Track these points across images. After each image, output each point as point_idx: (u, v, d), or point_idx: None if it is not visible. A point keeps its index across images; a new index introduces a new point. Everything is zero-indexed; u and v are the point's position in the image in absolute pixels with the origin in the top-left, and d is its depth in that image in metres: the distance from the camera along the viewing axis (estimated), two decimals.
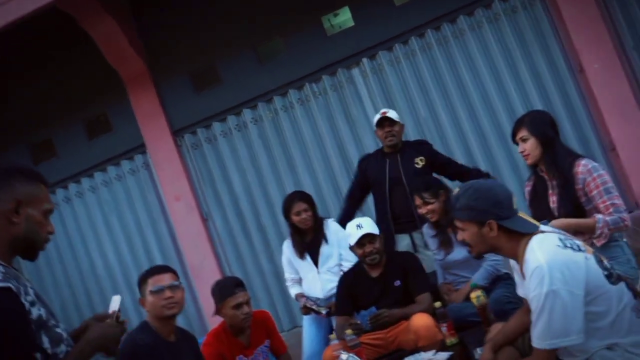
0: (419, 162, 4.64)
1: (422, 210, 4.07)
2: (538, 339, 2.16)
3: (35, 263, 7.45)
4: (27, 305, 1.76)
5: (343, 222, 4.68)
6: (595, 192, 3.10)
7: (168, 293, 3.12)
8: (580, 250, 2.19)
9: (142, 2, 7.45)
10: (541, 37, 6.76)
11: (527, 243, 2.22)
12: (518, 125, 3.40)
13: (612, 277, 2.17)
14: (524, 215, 2.36)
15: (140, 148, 7.67)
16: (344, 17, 7.23)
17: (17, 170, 1.93)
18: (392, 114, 4.77)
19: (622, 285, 2.19)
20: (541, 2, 6.74)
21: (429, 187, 4.08)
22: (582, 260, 2.14)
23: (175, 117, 7.55)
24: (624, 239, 3.20)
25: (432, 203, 4.01)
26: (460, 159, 6.79)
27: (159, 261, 7.39)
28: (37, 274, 7.91)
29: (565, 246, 2.16)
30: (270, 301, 7.32)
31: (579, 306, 2.08)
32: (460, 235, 2.41)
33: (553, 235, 2.23)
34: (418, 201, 4.09)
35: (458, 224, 2.38)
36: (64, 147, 7.89)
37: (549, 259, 2.11)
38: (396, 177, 4.62)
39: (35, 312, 1.78)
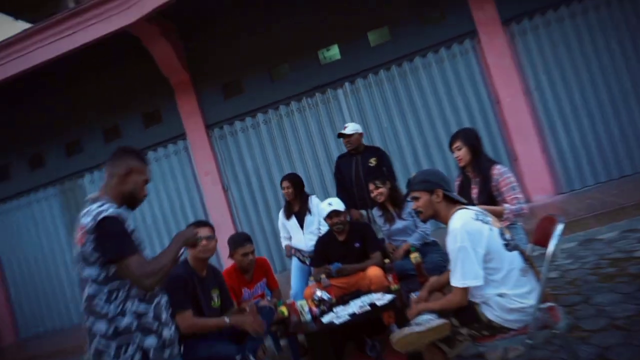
0: (373, 161, 4.64)
1: (374, 193, 4.03)
2: (455, 280, 2.16)
3: None
4: (129, 230, 1.96)
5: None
6: (504, 188, 3.13)
7: (204, 242, 3.04)
8: (487, 224, 2.21)
9: (189, 30, 7.46)
10: (472, 77, 6.86)
11: (453, 212, 2.25)
12: (454, 138, 3.38)
13: (509, 246, 2.20)
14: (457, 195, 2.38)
15: (182, 136, 7.73)
16: (334, 52, 7.28)
17: (131, 150, 2.15)
18: (349, 129, 4.69)
19: (516, 253, 2.21)
20: (473, 51, 6.83)
21: (379, 177, 4.10)
22: (487, 230, 2.16)
23: (209, 116, 7.60)
24: (519, 223, 3.26)
25: (381, 188, 4.00)
26: (409, 159, 7.00)
27: (192, 218, 7.49)
28: None
29: (477, 219, 2.19)
30: (268, 250, 7.45)
31: (479, 260, 2.12)
32: (415, 204, 2.38)
33: (472, 211, 2.24)
34: (372, 186, 4.03)
35: (415, 194, 2.36)
36: (127, 132, 7.93)
37: (462, 224, 2.15)
38: (358, 172, 4.64)
39: (135, 238, 1.99)
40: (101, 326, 1.87)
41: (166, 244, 7.41)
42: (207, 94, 7.61)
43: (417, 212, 2.42)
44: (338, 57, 7.27)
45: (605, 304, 3.14)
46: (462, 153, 3.31)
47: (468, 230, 2.14)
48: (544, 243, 2.27)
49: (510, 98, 6.65)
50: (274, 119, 7.50)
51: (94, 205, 1.94)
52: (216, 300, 3.05)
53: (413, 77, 7.04)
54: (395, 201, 4.02)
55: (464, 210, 2.25)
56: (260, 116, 7.53)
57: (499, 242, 2.18)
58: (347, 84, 7.23)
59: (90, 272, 1.88)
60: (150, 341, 1.93)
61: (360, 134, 4.77)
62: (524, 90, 6.67)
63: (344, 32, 7.15)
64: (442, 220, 2.34)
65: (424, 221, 2.50)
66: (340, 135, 4.73)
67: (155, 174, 7.86)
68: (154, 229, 7.86)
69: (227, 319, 2.75)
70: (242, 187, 7.61)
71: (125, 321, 1.89)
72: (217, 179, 7.55)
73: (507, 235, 2.28)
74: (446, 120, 6.95)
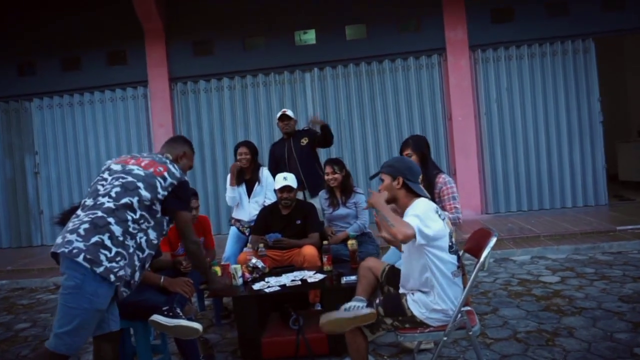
0: (303, 141, 4.58)
1: (329, 176, 3.93)
2: (409, 220, 2.09)
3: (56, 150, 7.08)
4: None
5: None
6: (446, 197, 3.15)
7: None
8: (442, 220, 2.22)
9: None
10: (432, 90, 6.98)
11: (414, 200, 2.26)
12: (406, 144, 3.34)
13: (452, 249, 2.21)
14: (422, 187, 2.38)
15: (143, 83, 7.36)
16: (310, 36, 7.18)
17: (188, 140, 2.61)
18: (289, 112, 4.64)
19: (455, 256, 2.23)
20: (438, 67, 6.95)
21: (339, 163, 4.00)
22: (441, 225, 2.17)
23: (175, 69, 7.29)
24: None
25: (337, 173, 3.91)
26: (359, 154, 7.05)
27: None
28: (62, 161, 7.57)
29: (437, 212, 2.22)
30: (207, 211, 7.22)
31: (426, 228, 2.10)
32: (381, 185, 2.37)
33: (433, 205, 2.27)
34: (329, 169, 3.95)
35: (382, 176, 2.37)
36: (88, 65, 7.43)
37: (424, 208, 2.18)
38: (290, 154, 4.58)
39: None
40: (117, 229, 2.02)
41: None
42: (177, 47, 7.28)
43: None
44: (313, 42, 7.18)
45: (510, 317, 3.29)
46: (412, 160, 3.20)
47: (428, 213, 2.17)
48: (475, 252, 2.30)
49: (462, 117, 6.83)
50: (239, 86, 7.29)
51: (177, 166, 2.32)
52: None
53: (379, 78, 7.07)
54: (345, 189, 3.99)
55: (427, 200, 2.26)
56: (226, 80, 7.30)
57: (446, 242, 2.20)
58: (316, 69, 7.15)
59: (145, 194, 2.10)
60: (125, 272, 2.03)
61: (296, 121, 4.76)
62: (475, 113, 6.87)
63: (324, 20, 7.07)
64: (400, 206, 2.34)
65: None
66: (281, 118, 4.61)
67: (109, 113, 7.47)
68: (96, 166, 7.45)
69: (162, 279, 2.70)
70: (194, 146, 7.27)
71: (131, 242, 2.06)
72: (171, 132, 7.23)
73: (454, 239, 2.30)
74: (400, 124, 7.04)
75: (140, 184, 2.11)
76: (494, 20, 6.85)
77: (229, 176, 4.32)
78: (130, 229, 2.06)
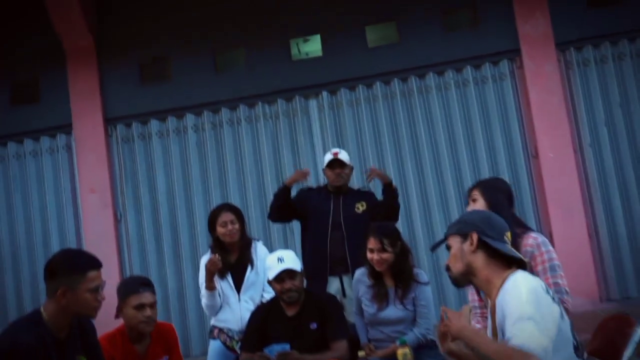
0: (360, 206, 4.44)
1: (374, 256, 3.57)
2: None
3: None
4: None
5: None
6: (540, 267, 2.86)
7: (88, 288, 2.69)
8: (559, 305, 2.08)
9: None
10: (504, 114, 6.51)
11: (509, 276, 2.09)
12: (474, 185, 3.24)
13: (578, 351, 2.12)
14: (512, 248, 2.21)
15: (66, 128, 6.96)
16: (314, 46, 6.84)
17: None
18: (343, 155, 4.50)
19: None
20: (511, 78, 6.50)
21: (392, 234, 3.61)
22: (558, 314, 2.03)
23: (112, 104, 6.89)
24: None
25: (387, 252, 3.55)
26: (401, 213, 6.31)
27: (56, 250, 6.35)
28: None
29: (549, 294, 2.06)
30: (167, 317, 6.41)
31: (551, 336, 2.01)
32: (450, 256, 2.29)
33: (536, 279, 2.13)
34: (375, 244, 3.56)
35: (449, 241, 2.29)
36: None
37: (530, 287, 2.02)
38: (337, 218, 4.42)
39: None
40: None
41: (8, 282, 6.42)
42: (115, 71, 6.89)
43: (447, 269, 2.33)
44: (319, 53, 6.88)
45: None
46: (477, 206, 3.12)
47: (538, 297, 2.01)
48: (608, 354, 2.20)
49: (555, 153, 6.32)
50: (209, 125, 6.84)
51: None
52: None
53: (421, 100, 6.64)
54: (401, 276, 3.65)
55: (526, 273, 2.13)
56: (190, 118, 6.82)
57: (569, 339, 2.11)
58: (325, 93, 6.72)
59: None
60: None
61: (352, 168, 4.65)
62: (575, 145, 6.35)
63: (333, 20, 6.80)
64: (480, 281, 2.20)
65: (456, 282, 2.31)
66: (331, 165, 4.46)
67: (12, 176, 7.00)
68: None
69: None
70: (145, 219, 6.81)
71: None
72: (109, 201, 6.76)
73: (577, 336, 2.33)
74: (458, 168, 6.55)
75: None
76: (592, 3, 6.39)
77: (202, 274, 3.98)
78: None
